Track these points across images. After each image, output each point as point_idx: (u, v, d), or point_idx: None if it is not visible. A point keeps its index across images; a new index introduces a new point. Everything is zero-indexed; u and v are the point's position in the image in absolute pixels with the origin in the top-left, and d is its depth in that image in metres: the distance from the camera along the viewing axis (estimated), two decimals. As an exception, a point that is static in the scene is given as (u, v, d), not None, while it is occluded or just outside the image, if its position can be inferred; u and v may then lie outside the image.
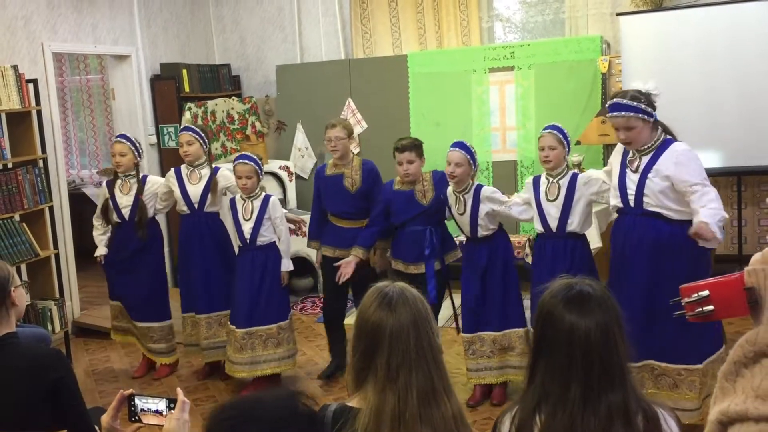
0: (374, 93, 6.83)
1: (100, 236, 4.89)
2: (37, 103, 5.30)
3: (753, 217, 6.04)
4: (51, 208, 5.38)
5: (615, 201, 3.69)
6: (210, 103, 7.03)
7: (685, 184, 3.44)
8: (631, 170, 3.61)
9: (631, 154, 3.63)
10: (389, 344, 1.75)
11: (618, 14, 6.08)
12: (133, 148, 4.78)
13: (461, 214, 4.12)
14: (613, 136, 3.89)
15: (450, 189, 4.16)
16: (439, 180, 4.27)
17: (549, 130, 3.95)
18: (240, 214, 4.45)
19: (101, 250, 4.88)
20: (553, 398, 1.71)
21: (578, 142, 5.96)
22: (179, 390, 1.84)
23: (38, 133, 5.30)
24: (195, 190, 4.69)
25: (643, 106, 3.49)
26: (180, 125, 6.41)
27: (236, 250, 4.65)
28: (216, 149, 6.95)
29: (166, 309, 4.94)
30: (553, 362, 1.73)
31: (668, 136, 3.59)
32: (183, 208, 4.75)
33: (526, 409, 1.75)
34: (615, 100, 3.57)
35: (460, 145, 4.07)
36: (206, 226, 4.73)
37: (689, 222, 3.42)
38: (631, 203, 3.60)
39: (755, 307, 0.89)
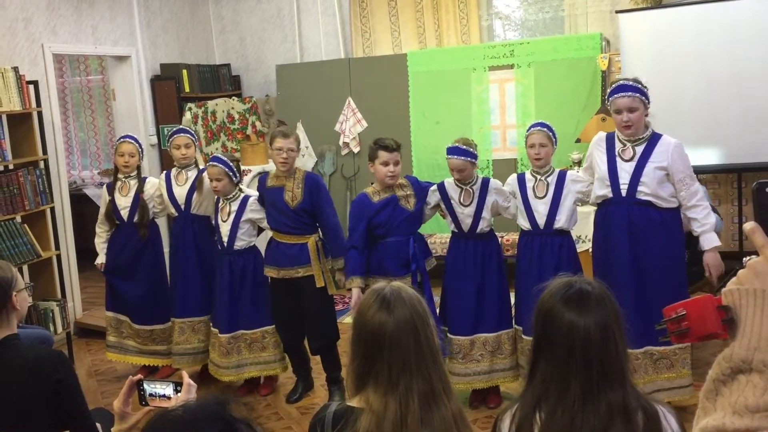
0: (374, 92, 6.83)
1: (102, 244, 4.86)
2: (38, 104, 5.31)
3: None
4: (52, 209, 5.39)
5: (603, 191, 3.73)
6: (210, 103, 7.04)
7: (680, 174, 3.62)
8: (623, 160, 3.68)
9: (621, 145, 3.70)
10: (389, 349, 1.76)
11: (617, 12, 6.07)
12: (140, 150, 4.82)
13: (466, 206, 3.99)
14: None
15: (451, 180, 4.04)
16: (416, 183, 4.11)
17: (539, 128, 3.91)
18: (219, 216, 4.40)
19: (101, 258, 4.86)
20: (553, 396, 1.71)
21: (578, 140, 5.95)
22: (184, 373, 1.88)
23: (39, 135, 5.31)
24: (181, 192, 4.66)
25: (645, 91, 3.63)
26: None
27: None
28: (216, 149, 6.95)
29: (168, 311, 4.94)
30: (553, 361, 1.74)
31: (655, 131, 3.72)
32: (171, 210, 4.72)
33: (526, 407, 1.75)
34: (620, 82, 3.68)
35: (455, 151, 3.91)
36: (191, 230, 4.66)
37: (676, 210, 3.66)
38: (623, 192, 3.67)
39: (731, 325, 0.93)
